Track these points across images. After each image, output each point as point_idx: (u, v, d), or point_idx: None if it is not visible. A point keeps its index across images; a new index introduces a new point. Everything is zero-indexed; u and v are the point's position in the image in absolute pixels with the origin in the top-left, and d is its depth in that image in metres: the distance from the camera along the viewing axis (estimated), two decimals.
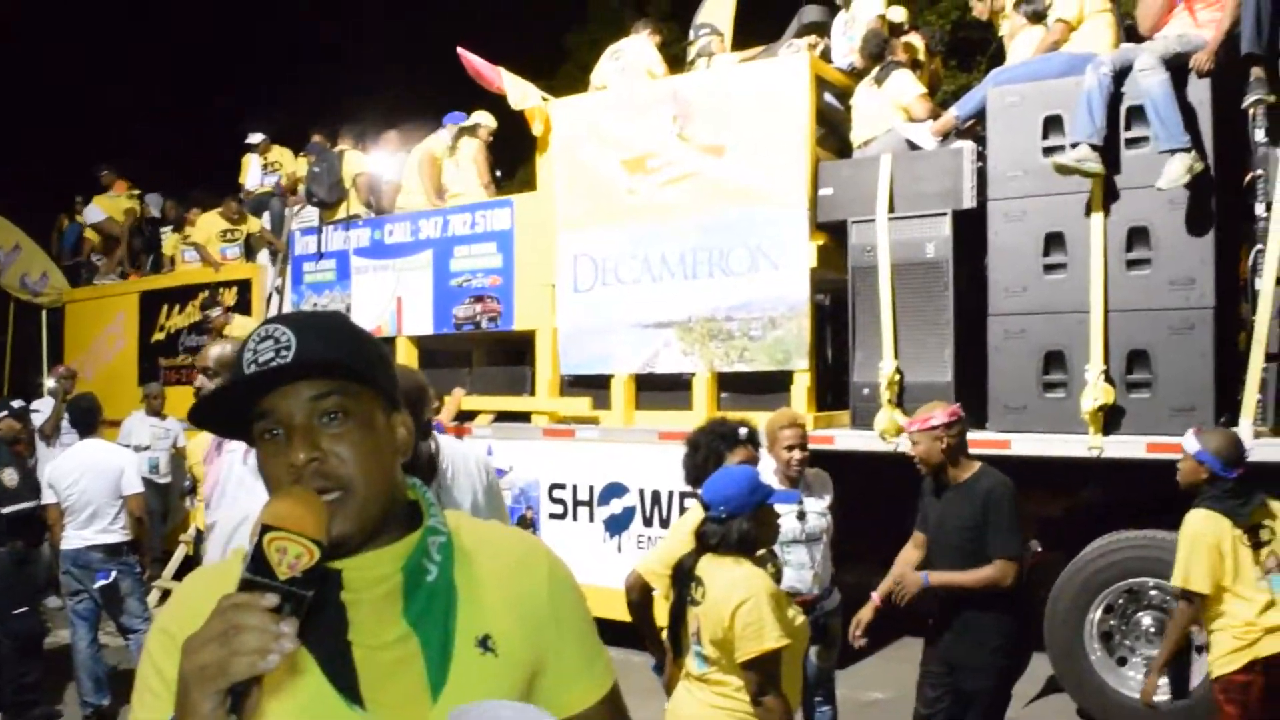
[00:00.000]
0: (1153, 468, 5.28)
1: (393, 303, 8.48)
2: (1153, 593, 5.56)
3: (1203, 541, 3.95)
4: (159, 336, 11.00)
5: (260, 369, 1.24)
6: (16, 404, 7.26)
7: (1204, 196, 5.48)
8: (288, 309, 9.58)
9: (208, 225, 10.76)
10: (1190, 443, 4.19)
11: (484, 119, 8.74)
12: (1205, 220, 5.48)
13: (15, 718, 6.17)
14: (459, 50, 8.45)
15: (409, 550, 1.30)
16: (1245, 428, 5.20)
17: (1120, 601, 5.69)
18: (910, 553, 4.49)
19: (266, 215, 10.90)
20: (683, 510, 5.91)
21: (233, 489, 3.28)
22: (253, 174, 11.55)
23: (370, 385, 1.30)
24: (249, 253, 10.73)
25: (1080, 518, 6.20)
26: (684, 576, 3.25)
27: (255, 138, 11.49)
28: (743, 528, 3.21)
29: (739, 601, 3.05)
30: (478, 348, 8.58)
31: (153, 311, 11.15)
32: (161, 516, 9.26)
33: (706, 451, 4.01)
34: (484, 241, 7.97)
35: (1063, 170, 5.58)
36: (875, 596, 4.40)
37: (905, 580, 4.21)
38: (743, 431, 4.03)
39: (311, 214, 9.74)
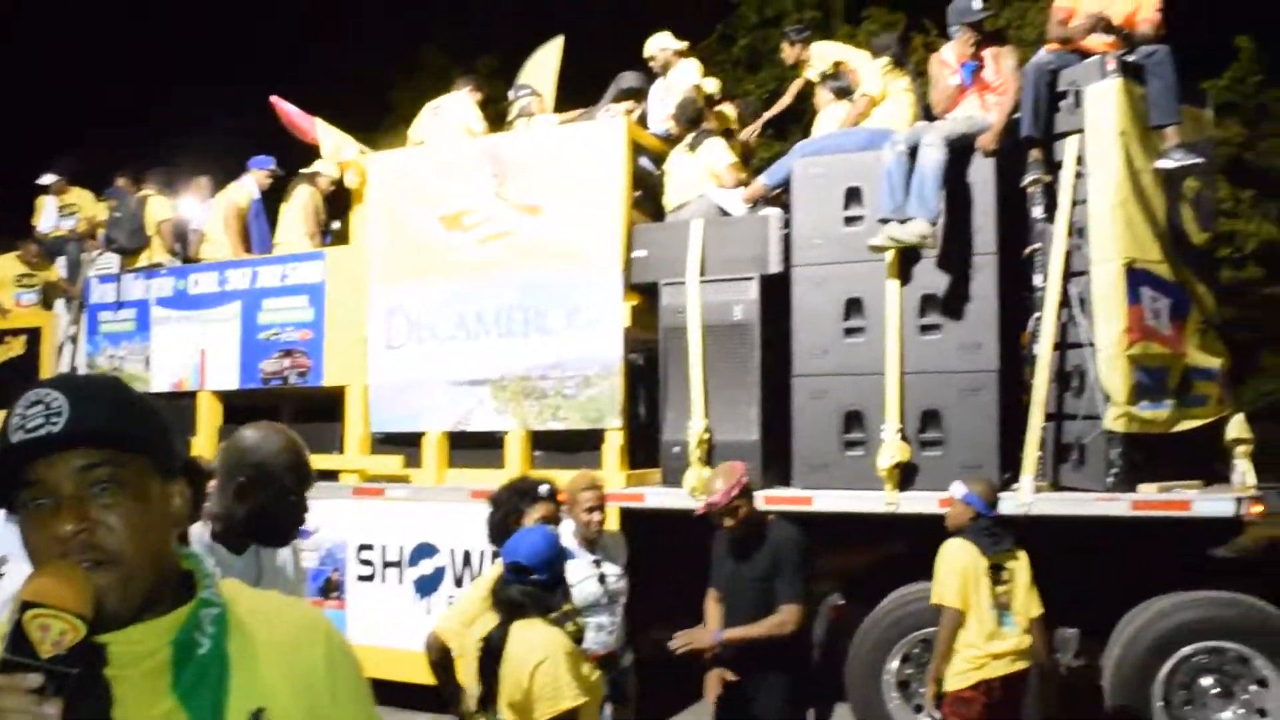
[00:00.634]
0: (943, 522, 5.55)
1: (196, 355, 8.14)
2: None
3: (956, 564, 4.62)
4: None
5: (28, 436, 1.18)
6: None
7: (987, 268, 5.86)
8: (81, 360, 9.08)
9: (2, 269, 10.10)
10: (959, 489, 4.89)
11: (326, 168, 8.39)
12: (990, 289, 5.85)
13: None
14: (273, 99, 8.26)
15: (179, 623, 1.26)
16: (1026, 483, 5.55)
17: (916, 650, 5.91)
18: (714, 607, 4.57)
19: (62, 260, 10.32)
20: None
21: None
22: (47, 216, 10.91)
23: (145, 454, 1.26)
24: (46, 301, 10.13)
25: (879, 571, 6.44)
26: (496, 647, 3.20)
27: (48, 179, 10.85)
28: (551, 589, 3.23)
29: (537, 662, 3.06)
30: (285, 403, 8.31)
31: None
32: None
33: (507, 509, 4.02)
34: (294, 294, 7.76)
35: (875, 249, 5.86)
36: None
37: (695, 637, 4.27)
38: (543, 489, 4.05)
39: (111, 260, 9.29)
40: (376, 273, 7.37)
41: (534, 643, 3.11)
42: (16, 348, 9.71)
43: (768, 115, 9.26)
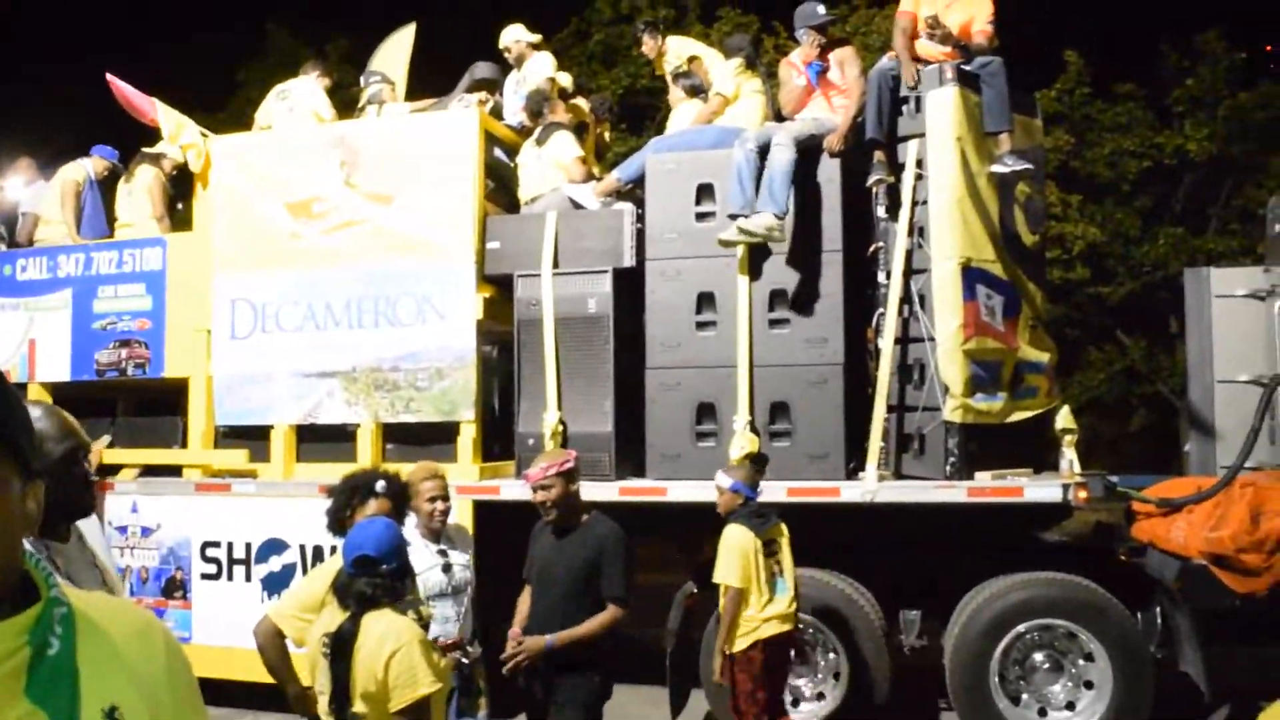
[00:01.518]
0: (794, 510, 5.71)
1: (24, 345, 7.71)
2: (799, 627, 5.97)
3: (736, 546, 4.93)
4: None
5: None
6: None
7: (833, 264, 6.05)
8: None
9: None
10: (724, 479, 5.18)
11: (170, 150, 7.96)
12: (836, 285, 6.05)
13: None
14: (109, 78, 7.90)
15: (31, 623, 1.20)
16: (870, 472, 5.77)
17: None
18: (525, 602, 4.51)
19: None
20: None
21: None
22: None
23: (9, 450, 1.20)
24: None
25: None
26: (348, 641, 3.15)
27: None
28: (397, 578, 3.21)
29: (391, 651, 3.05)
30: (123, 396, 7.96)
31: None
32: None
33: (344, 500, 3.97)
34: (132, 282, 7.42)
35: (725, 244, 5.98)
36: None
37: (528, 646, 4.15)
38: (380, 485, 4.01)
39: None
40: (220, 260, 7.12)
41: (386, 632, 3.09)
42: None
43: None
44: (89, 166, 8.34)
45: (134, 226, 7.83)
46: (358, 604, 3.17)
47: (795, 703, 6.01)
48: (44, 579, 1.29)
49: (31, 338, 7.70)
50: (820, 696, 6.08)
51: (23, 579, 1.26)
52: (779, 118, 6.75)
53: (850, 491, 5.79)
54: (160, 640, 1.40)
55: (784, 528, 5.23)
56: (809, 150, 6.11)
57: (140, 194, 7.82)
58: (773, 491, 5.88)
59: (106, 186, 8.47)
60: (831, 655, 6.03)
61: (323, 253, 6.84)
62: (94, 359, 7.48)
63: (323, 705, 3.26)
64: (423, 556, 4.34)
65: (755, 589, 4.96)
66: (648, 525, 6.35)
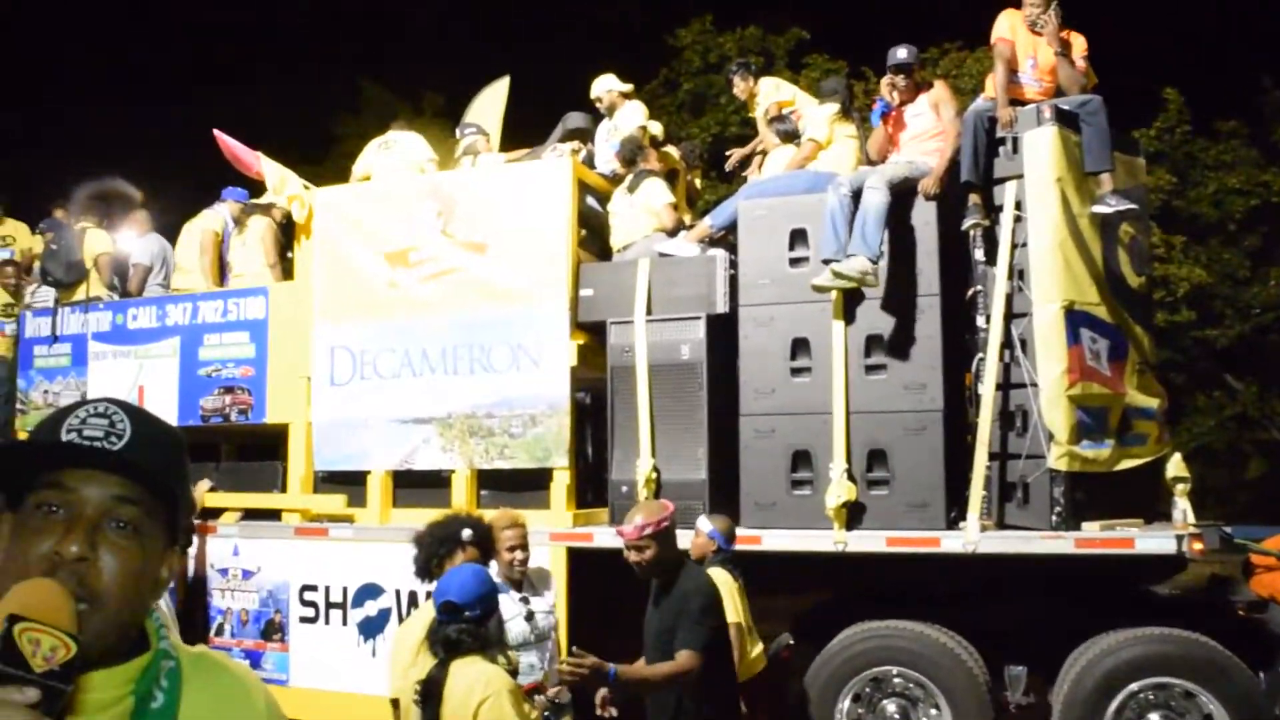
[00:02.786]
0: (893, 560, 5.58)
1: (134, 392, 7.96)
2: (896, 680, 5.80)
3: (725, 587, 4.83)
4: None
5: (81, 441, 1.14)
6: None
7: (931, 309, 5.94)
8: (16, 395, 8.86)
9: None
10: (704, 524, 5.37)
11: (280, 199, 8.10)
12: (933, 330, 5.93)
13: None
14: (216, 133, 8.17)
15: (138, 673, 1.22)
16: (972, 522, 5.60)
17: (868, 690, 5.92)
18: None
19: None
20: None
21: None
22: None
23: (170, 512, 1.22)
24: None
25: (828, 610, 6.45)
26: (436, 688, 3.15)
27: None
28: (491, 626, 3.21)
29: (480, 699, 3.04)
30: (226, 441, 8.16)
31: None
32: None
33: (436, 548, 3.98)
34: (236, 330, 7.64)
35: (819, 289, 5.92)
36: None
37: (589, 663, 3.96)
38: (466, 534, 4.01)
39: (47, 294, 9.08)
40: (320, 309, 7.29)
41: (475, 680, 3.08)
42: None
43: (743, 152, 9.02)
44: (224, 213, 8.60)
45: (247, 276, 8.06)
46: (445, 650, 3.17)
47: None
48: (155, 631, 1.30)
49: (141, 384, 7.95)
50: None
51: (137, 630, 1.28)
52: (871, 163, 6.70)
53: (951, 542, 5.63)
54: (261, 700, 1.41)
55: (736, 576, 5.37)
56: (903, 194, 6.04)
57: (254, 243, 8.05)
58: (871, 541, 5.79)
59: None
60: (933, 711, 5.83)
61: (419, 301, 6.95)
62: (199, 405, 7.69)
63: None
64: (507, 606, 4.32)
65: (746, 630, 5.09)
66: (742, 574, 6.28)
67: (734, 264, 6.45)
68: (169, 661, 1.28)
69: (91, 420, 1.17)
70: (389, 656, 4.04)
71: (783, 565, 6.18)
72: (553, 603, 4.68)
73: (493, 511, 4.68)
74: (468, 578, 3.32)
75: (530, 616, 4.48)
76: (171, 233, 9.09)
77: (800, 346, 6.16)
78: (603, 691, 4.25)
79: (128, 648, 1.23)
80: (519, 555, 4.53)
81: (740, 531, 6.08)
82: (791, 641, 6.25)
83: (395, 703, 3.82)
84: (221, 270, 8.45)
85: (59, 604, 1.02)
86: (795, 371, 6.15)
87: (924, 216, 6.07)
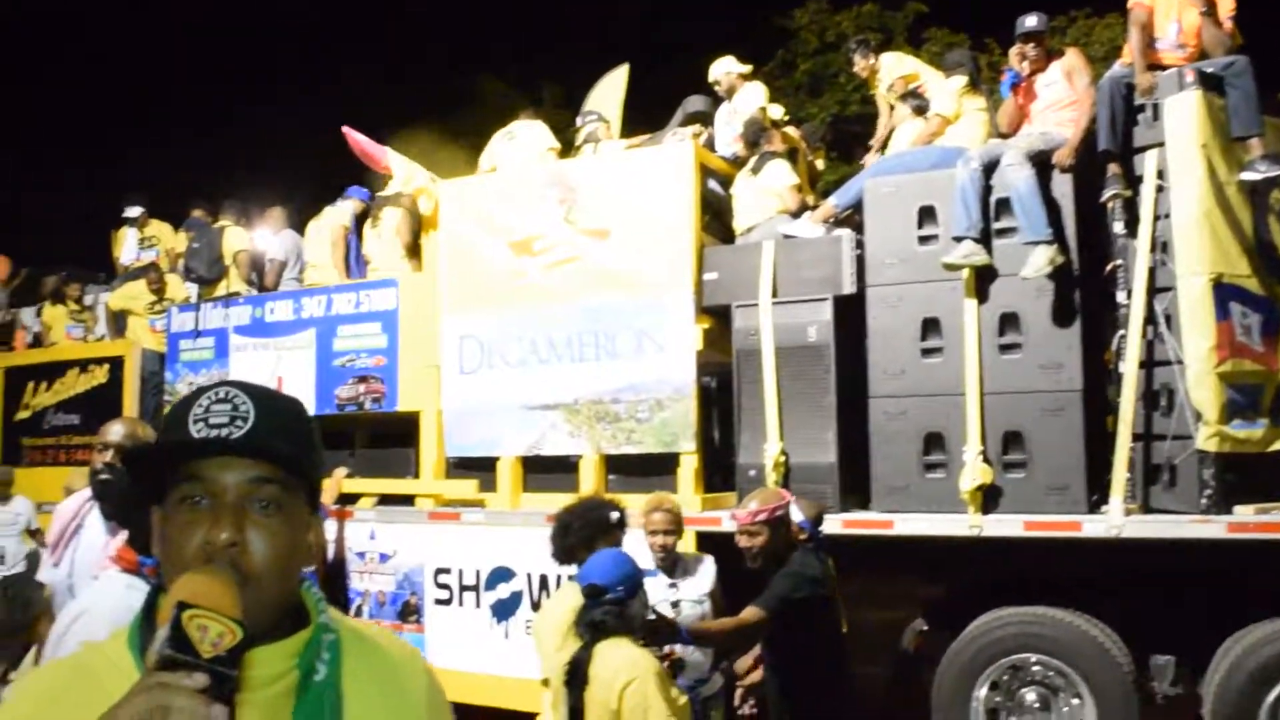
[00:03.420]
0: (1031, 545, 5.42)
1: (273, 382, 8.24)
2: (1035, 668, 5.65)
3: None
4: (23, 415, 10.49)
5: (210, 432, 1.17)
6: None
7: (1069, 285, 5.74)
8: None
9: (134, 296, 10.31)
10: (796, 513, 4.79)
11: (407, 189, 8.37)
12: (1071, 307, 5.72)
13: None
14: (345, 130, 8.40)
15: (301, 647, 1.24)
16: (1115, 505, 5.40)
17: (1005, 678, 5.77)
18: None
19: None
20: None
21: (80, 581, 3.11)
22: (128, 248, 11.21)
23: (307, 484, 1.25)
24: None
25: (963, 596, 6.31)
26: (582, 669, 3.17)
27: (133, 211, 11.13)
28: (635, 608, 3.21)
29: (625, 682, 3.04)
30: (360, 429, 8.39)
31: (18, 388, 10.65)
32: (21, 606, 8.71)
33: (579, 533, 3.99)
34: (368, 321, 7.85)
35: (951, 268, 5.77)
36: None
37: (660, 621, 3.77)
38: (614, 515, 4.02)
39: (190, 290, 9.49)
40: (448, 299, 7.43)
41: (621, 663, 3.09)
42: (100, 375, 9.95)
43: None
44: (350, 209, 8.85)
45: (383, 268, 8.27)
46: (590, 632, 3.19)
47: None
48: (315, 605, 1.32)
49: (279, 375, 8.22)
50: None
51: (295, 605, 1.30)
52: (1001, 136, 6.49)
53: (1094, 526, 5.44)
54: (422, 671, 1.43)
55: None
56: (1038, 166, 5.83)
57: (389, 235, 8.25)
58: (1008, 525, 5.63)
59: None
60: (1075, 700, 5.64)
61: (544, 289, 7.02)
62: (334, 394, 7.92)
63: None
64: (654, 589, 4.32)
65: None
66: (873, 560, 6.19)
67: (860, 244, 6.33)
68: (330, 634, 1.30)
69: (215, 408, 1.19)
70: (534, 639, 4.07)
71: (914, 550, 6.07)
72: (706, 590, 4.61)
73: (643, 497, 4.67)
74: (610, 560, 3.34)
75: (675, 604, 4.46)
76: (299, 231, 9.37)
77: (931, 326, 6.02)
78: (743, 684, 4.26)
79: (289, 622, 1.26)
80: (664, 540, 4.52)
81: (871, 516, 6.00)
82: (925, 628, 6.13)
83: (545, 683, 3.85)
84: (348, 264, 8.67)
85: (223, 591, 1.05)
86: (926, 352, 6.01)
87: (1060, 189, 5.85)
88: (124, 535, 3.38)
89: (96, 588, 2.60)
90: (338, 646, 1.31)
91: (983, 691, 5.76)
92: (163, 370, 9.35)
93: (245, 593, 1.12)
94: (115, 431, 3.54)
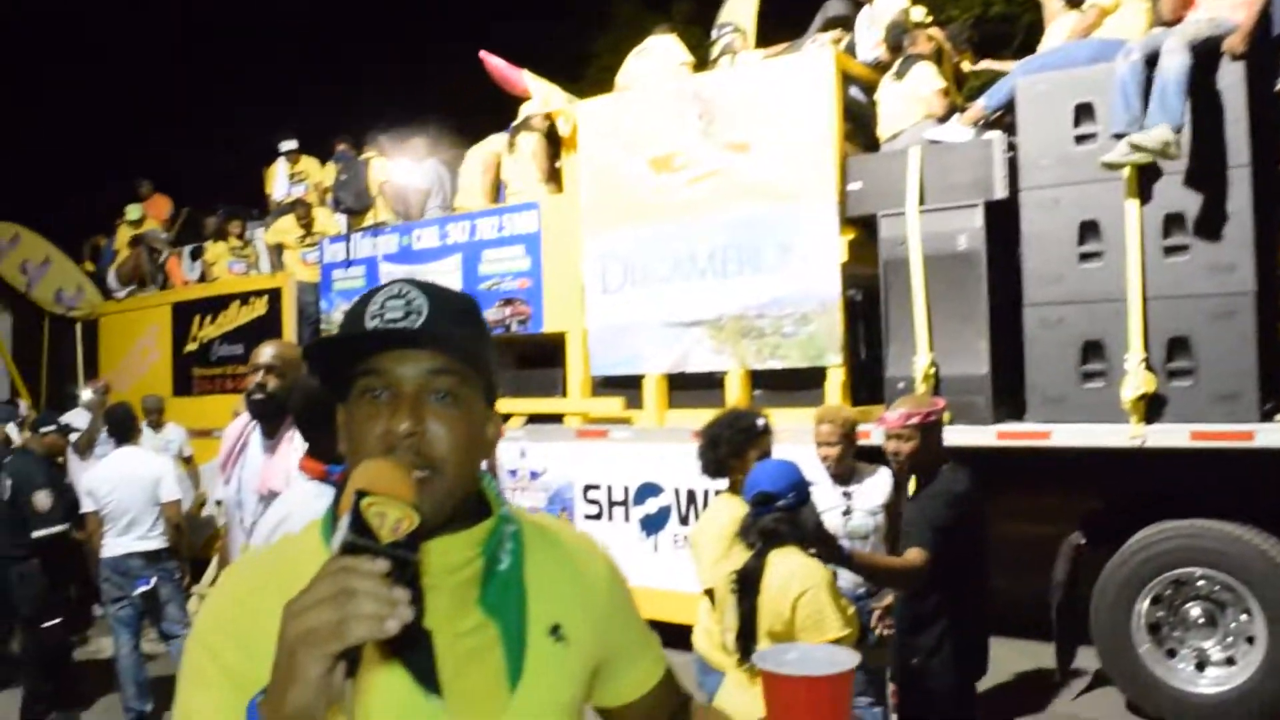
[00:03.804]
0: (1198, 456, 5.20)
1: None
2: (1200, 583, 5.49)
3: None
4: (192, 347, 11.07)
5: (386, 326, 1.19)
6: (64, 419, 7.29)
7: (1240, 181, 5.40)
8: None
9: (286, 230, 10.74)
10: None
11: (535, 109, 8.40)
12: (1243, 205, 5.39)
13: None
14: (482, 54, 8.45)
15: (485, 536, 1.27)
16: None
17: (1168, 593, 5.61)
18: None
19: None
20: None
21: (281, 486, 3.25)
22: (279, 184, 11.60)
23: (481, 376, 1.27)
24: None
25: (1124, 509, 6.12)
26: (754, 578, 3.18)
27: (288, 145, 11.47)
28: (805, 516, 3.19)
29: (800, 592, 3.04)
30: (508, 350, 8.57)
31: (185, 323, 11.22)
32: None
33: (730, 445, 3.97)
34: (512, 245, 7.97)
35: (1110, 167, 5.50)
36: None
37: (824, 537, 3.58)
38: (760, 423, 3.99)
39: (340, 221, 9.79)
40: (589, 219, 7.47)
41: (794, 572, 3.08)
42: (259, 307, 10.39)
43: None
44: (504, 138, 8.94)
45: (522, 192, 8.36)
46: (761, 540, 3.18)
47: (1201, 666, 5.52)
48: (495, 497, 1.34)
49: None
50: (1230, 661, 5.52)
51: (477, 498, 1.33)
52: (1164, 25, 6.09)
53: (1268, 435, 5.17)
54: (602, 560, 1.46)
55: None
56: (1206, 55, 5.46)
57: (525, 160, 8.31)
58: (1172, 436, 5.41)
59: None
60: (1243, 617, 5.45)
61: (685, 205, 6.98)
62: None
63: (729, 641, 3.31)
64: (825, 497, 4.28)
65: None
66: (1029, 472, 6.04)
67: (1012, 146, 6.07)
68: (511, 526, 1.33)
69: (390, 303, 1.21)
70: (691, 551, 4.09)
71: (1071, 462, 5.90)
72: (880, 502, 4.53)
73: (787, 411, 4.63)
74: (777, 466, 3.32)
75: (847, 513, 4.44)
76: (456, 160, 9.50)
77: (1089, 230, 5.75)
78: (879, 607, 4.21)
79: (471, 514, 1.28)
80: (830, 451, 4.49)
81: (1026, 427, 5.84)
82: (1082, 542, 5.97)
83: (709, 594, 3.86)
84: (495, 191, 8.78)
85: (400, 479, 1.07)
86: (1084, 257, 5.76)
87: (1230, 79, 5.47)
88: (286, 448, 3.55)
89: (288, 496, 2.72)
90: (520, 537, 1.33)
91: (1144, 606, 5.62)
92: (317, 300, 9.71)
93: (425, 482, 1.15)
94: (265, 354, 3.68)
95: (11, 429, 8.37)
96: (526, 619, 1.28)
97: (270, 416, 3.63)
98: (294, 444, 3.48)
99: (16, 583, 6.51)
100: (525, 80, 8.22)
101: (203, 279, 11.80)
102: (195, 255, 12.38)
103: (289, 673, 0.95)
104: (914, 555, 3.54)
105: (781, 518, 3.15)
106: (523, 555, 1.32)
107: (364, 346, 1.22)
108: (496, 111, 9.25)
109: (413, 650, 1.18)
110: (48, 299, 12.90)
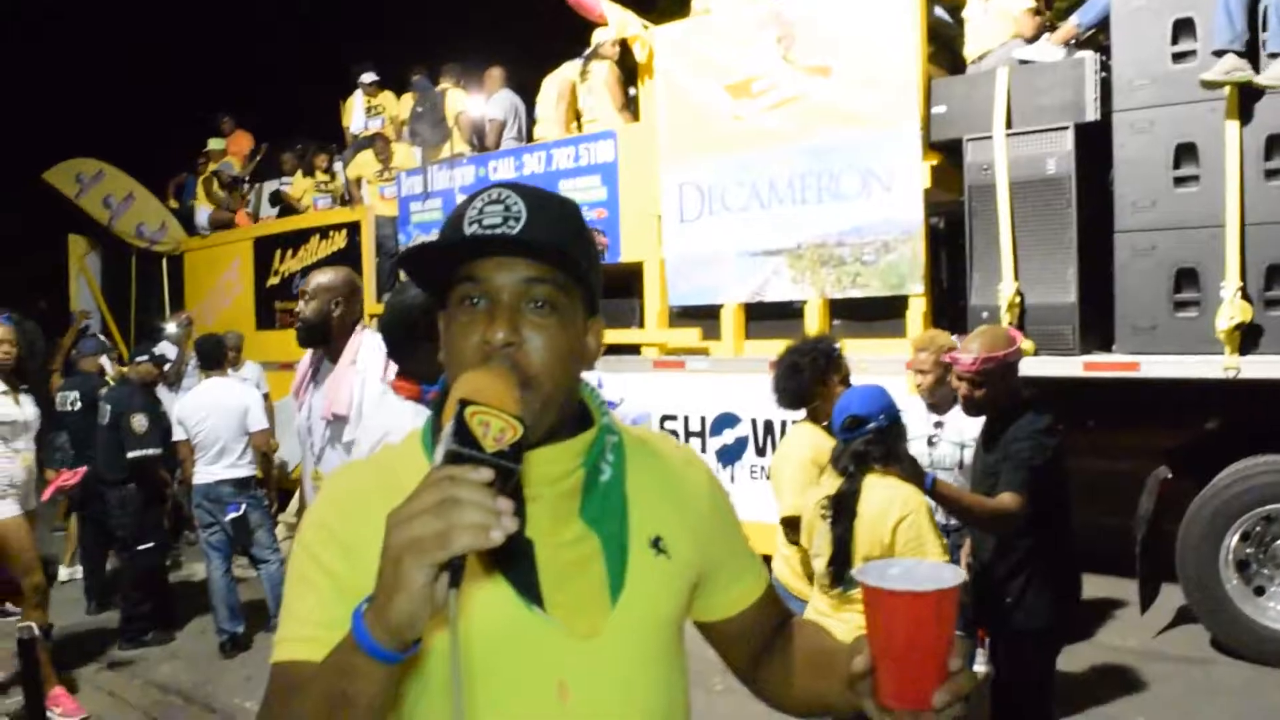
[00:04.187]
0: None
1: None
2: None
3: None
4: (274, 281, 11.27)
5: (483, 232, 1.17)
6: (157, 350, 7.49)
7: None
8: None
9: (364, 164, 10.82)
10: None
11: (605, 36, 8.22)
12: None
13: (130, 643, 6.53)
14: None
15: (585, 447, 1.26)
16: None
17: (1258, 528, 5.48)
18: None
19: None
20: None
21: (369, 410, 3.30)
22: (357, 117, 11.65)
23: (581, 285, 1.23)
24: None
25: (1211, 443, 5.97)
26: (849, 504, 3.14)
27: (367, 77, 11.48)
28: (896, 439, 3.17)
29: (899, 516, 3.03)
30: None
31: (267, 257, 11.41)
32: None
33: (812, 371, 3.92)
34: (588, 174, 7.92)
35: (1210, 85, 5.27)
36: None
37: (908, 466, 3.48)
38: (837, 347, 3.94)
39: (416, 154, 9.80)
40: (666, 147, 7.38)
41: (892, 497, 3.07)
42: (339, 241, 10.52)
43: None
44: (579, 65, 8.85)
45: (598, 121, 8.28)
46: (855, 464, 3.15)
47: None
48: (598, 408, 1.32)
49: None
50: None
51: (579, 408, 1.30)
52: None
53: None
54: (704, 473, 1.43)
55: None
56: None
57: (599, 89, 8.23)
58: (1270, 367, 5.23)
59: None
60: None
61: (764, 132, 6.86)
62: None
63: (819, 566, 3.29)
64: (914, 424, 4.22)
65: None
66: (1116, 404, 5.90)
67: (1105, 65, 5.84)
68: (613, 437, 1.31)
69: (488, 209, 1.18)
70: (772, 481, 4.06)
71: (1160, 394, 5.74)
72: (971, 435, 4.40)
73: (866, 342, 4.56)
74: (867, 390, 3.30)
75: (932, 442, 4.38)
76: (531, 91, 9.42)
77: (1185, 152, 5.53)
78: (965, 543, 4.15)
79: (572, 425, 1.26)
80: (925, 379, 4.43)
81: (1114, 358, 5.69)
82: (1169, 475, 5.84)
83: (787, 522, 3.83)
84: (575, 119, 8.71)
85: (503, 388, 1.05)
86: (1179, 181, 5.54)
87: None
88: (347, 371, 3.59)
89: (385, 415, 2.74)
90: (621, 449, 1.32)
91: (1233, 541, 5.50)
92: (395, 234, 9.78)
93: (525, 392, 1.12)
94: (305, 282, 3.77)
95: (105, 361, 8.64)
96: (628, 531, 1.27)
97: (307, 341, 3.70)
98: (357, 367, 3.53)
99: (115, 506, 6.76)
100: (601, 6, 8.10)
101: (285, 213, 11.94)
102: (274, 201, 12.52)
103: (393, 581, 0.94)
104: (1008, 500, 3.39)
105: (873, 439, 3.13)
106: (624, 467, 1.30)
107: (461, 253, 1.19)
108: (573, 39, 9.15)
109: (515, 562, 1.18)
110: (129, 232, 13.18)
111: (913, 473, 3.23)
